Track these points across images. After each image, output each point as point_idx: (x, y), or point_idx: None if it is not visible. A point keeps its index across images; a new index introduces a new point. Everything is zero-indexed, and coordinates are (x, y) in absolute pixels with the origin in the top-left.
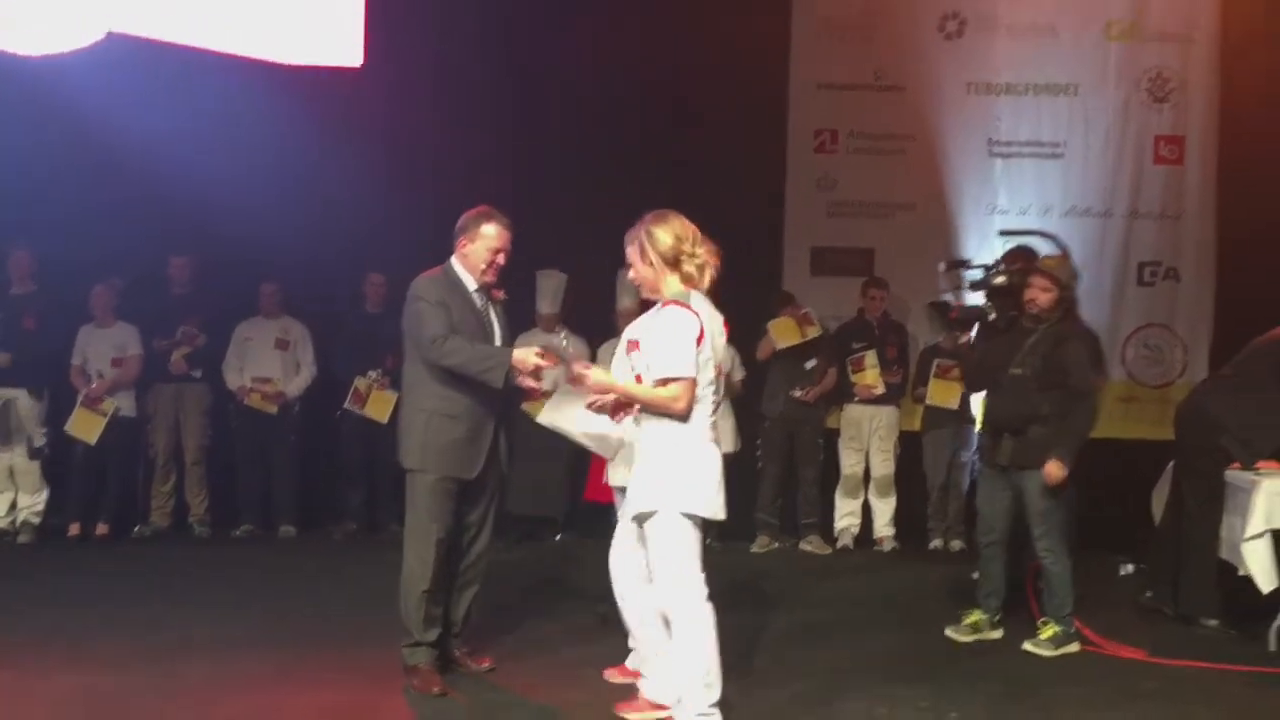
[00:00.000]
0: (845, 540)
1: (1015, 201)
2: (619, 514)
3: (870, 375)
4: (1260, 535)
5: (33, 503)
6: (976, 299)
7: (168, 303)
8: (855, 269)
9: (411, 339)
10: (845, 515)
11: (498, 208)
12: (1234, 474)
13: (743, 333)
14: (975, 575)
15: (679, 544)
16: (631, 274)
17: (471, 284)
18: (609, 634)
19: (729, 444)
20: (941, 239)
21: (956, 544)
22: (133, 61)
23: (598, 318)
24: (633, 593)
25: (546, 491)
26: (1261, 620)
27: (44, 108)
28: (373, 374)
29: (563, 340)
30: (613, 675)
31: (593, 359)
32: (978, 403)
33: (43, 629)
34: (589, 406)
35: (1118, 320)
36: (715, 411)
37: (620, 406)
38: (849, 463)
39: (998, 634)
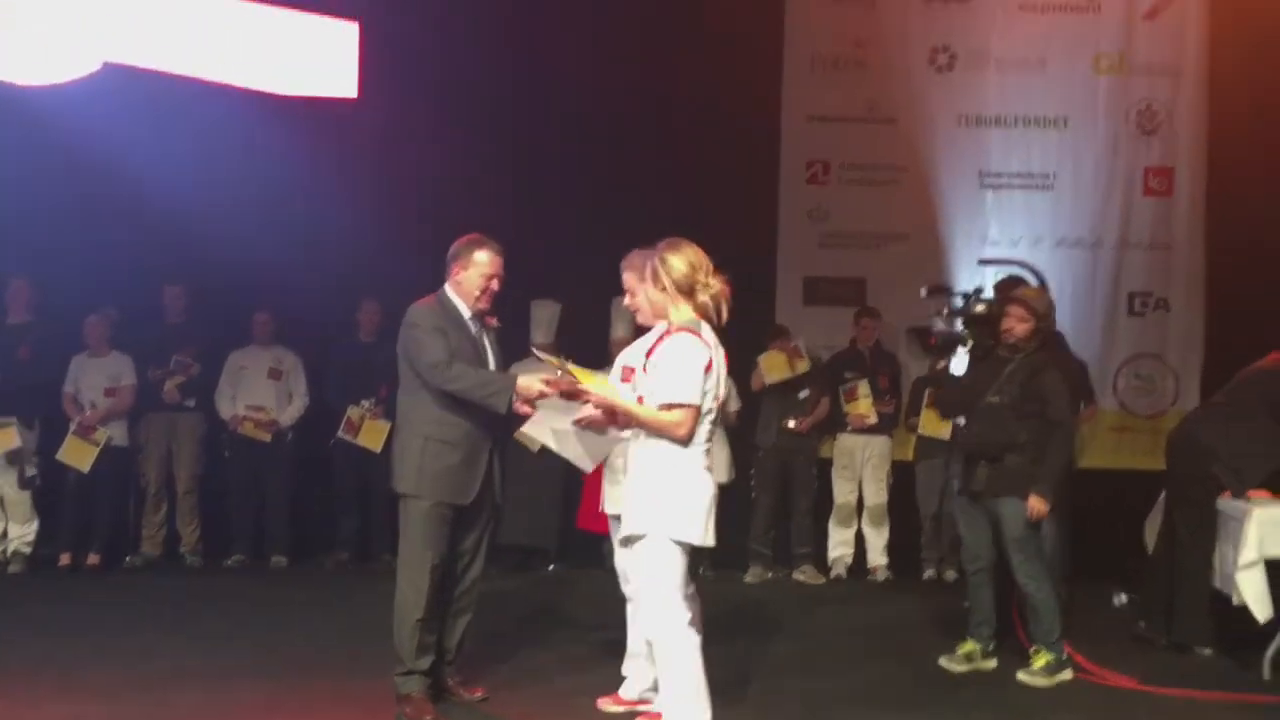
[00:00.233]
0: (839, 570)
1: (1006, 232)
2: (615, 539)
3: (863, 405)
4: (1253, 564)
5: (23, 533)
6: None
7: (162, 332)
8: (847, 299)
9: (410, 365)
10: (838, 545)
11: (490, 236)
12: (1226, 502)
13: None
14: (967, 604)
15: (665, 568)
16: (633, 299)
17: (466, 311)
18: (603, 664)
19: (724, 474)
20: (933, 269)
21: (950, 574)
22: (128, 91)
23: (591, 347)
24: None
25: (539, 522)
26: (1255, 649)
27: (40, 137)
28: (366, 403)
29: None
30: (606, 704)
31: None
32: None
33: (33, 658)
34: (577, 422)
35: (1109, 350)
36: (710, 438)
37: (612, 419)
38: (842, 492)
39: (992, 664)
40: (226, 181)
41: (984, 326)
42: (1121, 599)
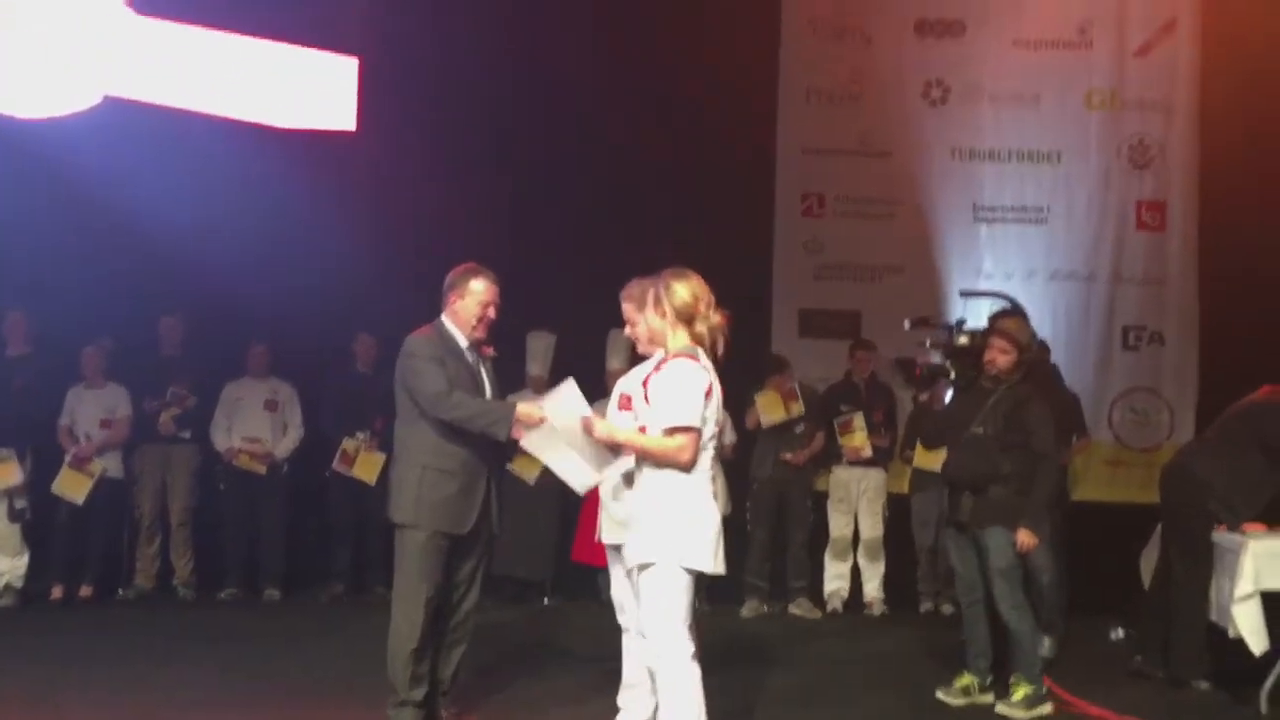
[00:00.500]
0: (835, 604)
1: (1000, 265)
2: (611, 570)
3: (858, 437)
4: (1249, 596)
5: (13, 566)
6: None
7: (158, 363)
8: (842, 331)
9: (408, 395)
10: (834, 578)
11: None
12: (1221, 535)
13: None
14: (964, 638)
15: (674, 597)
16: (634, 329)
17: (463, 341)
18: (598, 695)
19: (721, 506)
20: (928, 302)
21: (947, 607)
22: (128, 125)
23: (587, 379)
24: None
25: (534, 554)
26: (1252, 682)
27: (39, 170)
28: (361, 435)
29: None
30: None
31: None
32: None
33: (26, 691)
34: (585, 427)
35: (1103, 384)
36: (713, 466)
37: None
38: (838, 525)
39: (989, 697)
40: (224, 214)
41: (967, 358)
42: (1118, 633)
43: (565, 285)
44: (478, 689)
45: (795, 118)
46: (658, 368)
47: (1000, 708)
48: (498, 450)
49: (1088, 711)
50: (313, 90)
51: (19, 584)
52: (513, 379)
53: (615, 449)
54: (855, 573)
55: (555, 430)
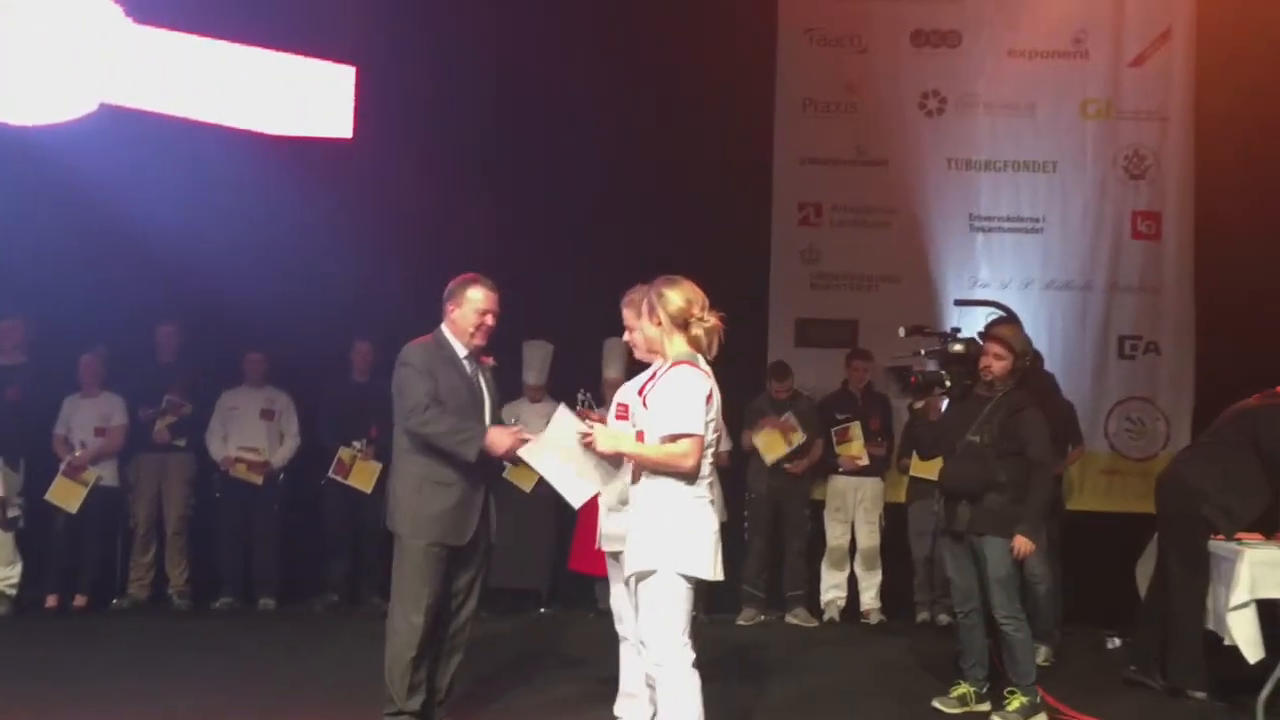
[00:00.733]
0: (831, 613)
1: (996, 275)
2: (611, 580)
3: (855, 446)
4: (1245, 605)
5: (6, 575)
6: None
7: (154, 371)
8: (839, 340)
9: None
10: (831, 587)
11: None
12: (1217, 544)
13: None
14: (960, 647)
15: (673, 605)
16: (632, 335)
17: (462, 350)
18: (595, 705)
19: (718, 514)
20: (924, 311)
21: (944, 617)
22: (125, 132)
23: (584, 388)
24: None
25: (530, 564)
26: (1248, 691)
27: (35, 177)
28: (357, 444)
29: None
30: None
31: None
32: None
33: (20, 700)
34: (584, 441)
35: (1099, 393)
36: (712, 474)
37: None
38: (834, 534)
39: (985, 706)
40: (220, 221)
41: (962, 365)
42: (1114, 642)
43: (562, 294)
44: (474, 698)
45: (792, 127)
46: (654, 376)
47: (996, 717)
48: (495, 461)
49: None
50: (310, 98)
51: (13, 592)
52: (512, 388)
53: (618, 461)
54: (852, 582)
55: (555, 449)
